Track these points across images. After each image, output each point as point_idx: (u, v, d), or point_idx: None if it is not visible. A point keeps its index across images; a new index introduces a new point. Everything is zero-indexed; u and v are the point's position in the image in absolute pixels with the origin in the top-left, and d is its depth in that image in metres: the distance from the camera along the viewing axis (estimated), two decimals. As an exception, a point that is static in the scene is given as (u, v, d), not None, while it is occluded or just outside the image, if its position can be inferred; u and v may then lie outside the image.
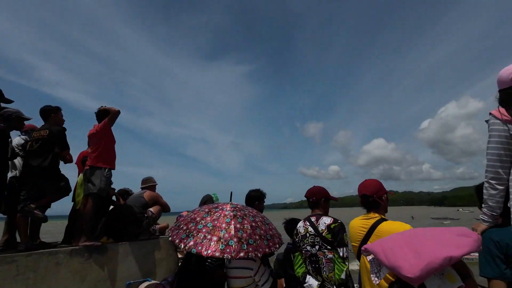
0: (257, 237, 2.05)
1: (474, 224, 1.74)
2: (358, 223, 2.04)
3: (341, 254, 2.01)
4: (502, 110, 1.53)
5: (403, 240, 1.24)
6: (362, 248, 1.41)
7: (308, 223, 2.25)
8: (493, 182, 1.55)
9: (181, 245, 1.95)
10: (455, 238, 1.16)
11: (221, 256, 1.86)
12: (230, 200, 2.39)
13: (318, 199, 2.33)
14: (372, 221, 1.92)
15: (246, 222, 2.11)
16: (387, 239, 1.35)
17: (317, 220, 2.21)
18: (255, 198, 2.99)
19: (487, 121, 1.60)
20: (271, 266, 2.71)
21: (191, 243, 1.94)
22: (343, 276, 1.96)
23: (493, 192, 1.55)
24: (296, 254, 2.28)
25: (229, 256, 1.86)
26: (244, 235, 2.00)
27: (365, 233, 1.93)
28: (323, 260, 2.08)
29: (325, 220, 2.16)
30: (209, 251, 1.86)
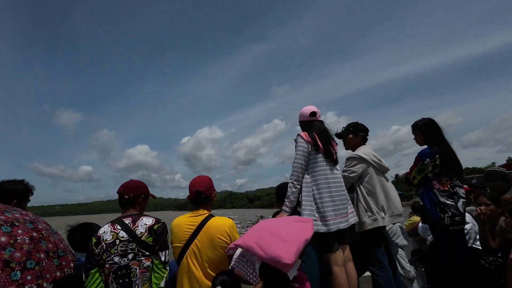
0: (42, 255, 1.23)
1: (279, 214, 2.28)
2: (185, 221, 1.92)
3: (162, 258, 1.73)
4: (306, 133, 2.27)
5: (267, 232, 1.34)
6: (231, 246, 1.33)
7: (119, 227, 1.72)
8: (295, 183, 2.20)
9: None
10: (301, 224, 1.47)
11: None
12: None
13: (136, 196, 1.88)
14: (201, 218, 1.90)
15: (20, 231, 1.21)
16: (252, 233, 1.38)
17: (134, 221, 1.76)
18: (16, 194, 1.74)
19: (295, 140, 2.28)
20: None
21: None
22: (162, 284, 1.68)
23: (294, 190, 2.20)
24: (92, 272, 1.62)
25: None
26: (17, 254, 1.13)
27: (193, 230, 1.86)
28: (137, 271, 1.66)
29: (146, 221, 1.78)
30: None
